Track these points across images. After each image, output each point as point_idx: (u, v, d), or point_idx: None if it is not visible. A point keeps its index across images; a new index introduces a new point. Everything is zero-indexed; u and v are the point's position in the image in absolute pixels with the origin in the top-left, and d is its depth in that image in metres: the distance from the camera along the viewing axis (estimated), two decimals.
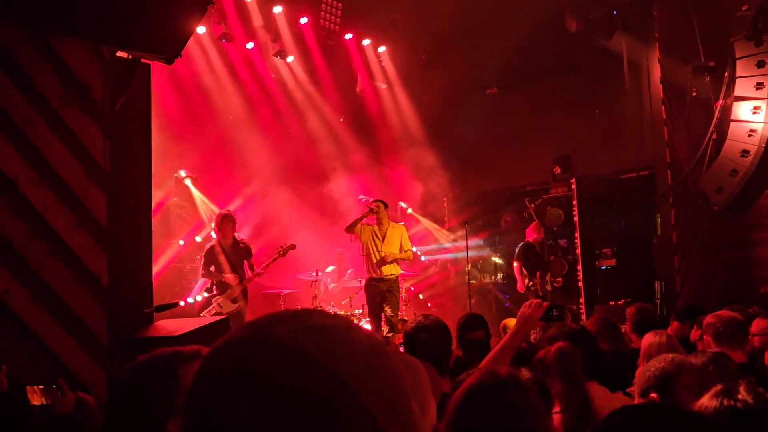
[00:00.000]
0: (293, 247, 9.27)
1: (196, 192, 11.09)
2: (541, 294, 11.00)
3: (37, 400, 3.10)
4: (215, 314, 8.46)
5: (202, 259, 8.99)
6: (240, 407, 0.74)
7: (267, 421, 0.72)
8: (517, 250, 11.48)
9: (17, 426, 2.43)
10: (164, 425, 2.02)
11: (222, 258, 8.87)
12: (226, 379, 0.76)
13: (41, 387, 3.15)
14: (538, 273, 11.28)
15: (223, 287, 8.81)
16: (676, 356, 3.14)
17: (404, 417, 0.79)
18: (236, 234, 9.12)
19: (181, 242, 10.71)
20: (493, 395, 2.17)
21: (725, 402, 2.21)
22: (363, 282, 9.68)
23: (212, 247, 8.94)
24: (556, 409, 3.17)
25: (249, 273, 8.94)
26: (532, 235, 11.52)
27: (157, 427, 2.02)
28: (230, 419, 0.74)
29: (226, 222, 8.89)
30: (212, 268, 8.86)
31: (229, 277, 8.78)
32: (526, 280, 11.29)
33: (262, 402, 0.73)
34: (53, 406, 3.08)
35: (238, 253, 8.97)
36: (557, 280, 11.80)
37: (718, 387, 2.29)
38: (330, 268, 11.34)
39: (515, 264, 11.42)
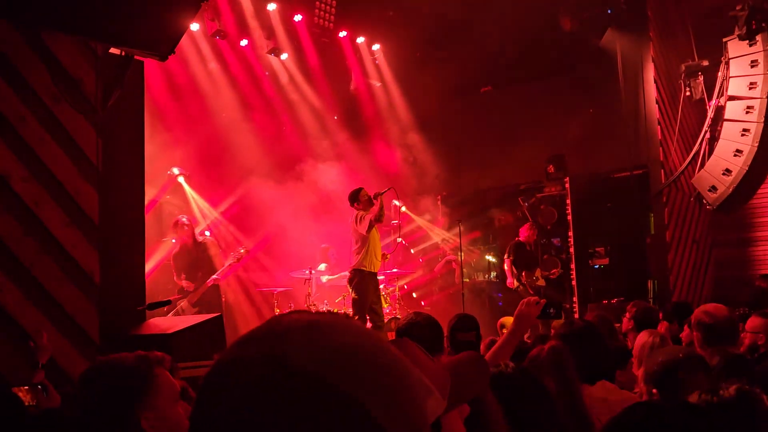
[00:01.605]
0: (247, 252, 9.41)
1: (189, 189, 11.06)
2: (531, 291, 10.97)
3: (24, 399, 3.09)
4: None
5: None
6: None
7: None
8: (507, 247, 11.49)
9: (8, 423, 2.42)
10: (139, 419, 2.08)
11: (178, 263, 9.16)
12: (239, 401, 0.72)
13: (26, 387, 3.14)
14: (524, 272, 11.23)
15: (183, 292, 8.99)
16: (684, 349, 3.15)
17: (417, 420, 0.77)
18: (197, 236, 9.34)
19: (174, 240, 10.69)
20: (510, 383, 2.19)
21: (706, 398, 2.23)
22: (350, 275, 9.06)
23: (174, 253, 9.25)
24: None
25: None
26: (524, 233, 11.50)
27: (133, 421, 2.08)
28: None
29: (177, 229, 9.14)
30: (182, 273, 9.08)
31: (183, 283, 9.00)
32: (515, 279, 11.30)
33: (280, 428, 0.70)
34: (39, 405, 3.07)
35: (198, 256, 9.14)
36: (552, 272, 11.80)
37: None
38: (322, 266, 11.32)
39: (506, 260, 11.40)
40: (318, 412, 0.70)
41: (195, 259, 9.12)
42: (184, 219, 9.23)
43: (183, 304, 8.84)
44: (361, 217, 8.83)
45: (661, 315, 6.33)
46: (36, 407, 3.16)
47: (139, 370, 2.17)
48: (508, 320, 8.66)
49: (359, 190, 9.09)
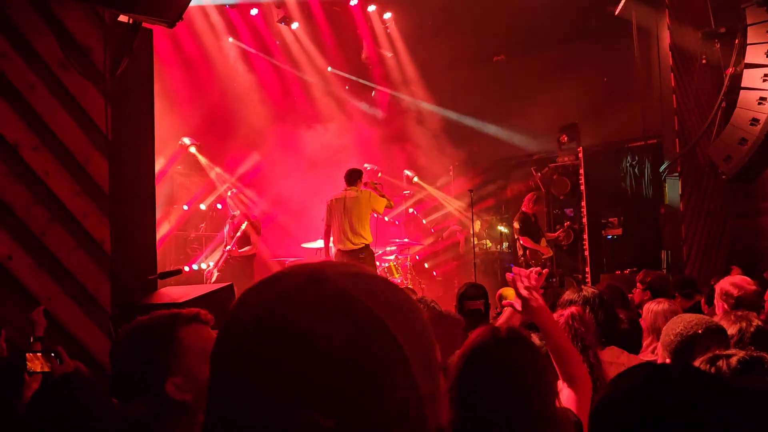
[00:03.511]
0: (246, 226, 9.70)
1: (202, 159, 11.08)
2: (532, 263, 10.70)
3: (37, 366, 3.11)
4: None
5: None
6: (288, 330, 0.75)
7: (309, 349, 0.74)
8: (517, 225, 11.18)
9: (16, 390, 2.43)
10: (163, 384, 2.02)
11: (226, 232, 9.82)
12: (279, 301, 0.78)
13: (40, 354, 3.15)
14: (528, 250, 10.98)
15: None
16: (701, 317, 3.13)
17: (433, 370, 0.82)
18: (248, 212, 9.99)
19: (185, 207, 10.73)
20: (492, 353, 2.15)
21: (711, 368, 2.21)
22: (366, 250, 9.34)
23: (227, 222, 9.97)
24: None
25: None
26: (528, 206, 11.23)
27: (157, 387, 2.02)
28: (274, 341, 0.75)
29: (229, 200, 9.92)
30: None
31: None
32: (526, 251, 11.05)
33: (310, 329, 0.75)
34: (52, 373, 3.08)
35: (237, 228, 9.65)
36: (558, 235, 11.69)
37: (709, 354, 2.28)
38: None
39: (523, 239, 11.06)
40: (345, 322, 0.76)
41: (231, 230, 9.70)
42: (230, 192, 9.94)
43: (214, 270, 9.48)
44: (375, 199, 9.28)
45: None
46: (49, 374, 3.17)
47: (158, 337, 2.11)
48: (507, 291, 8.64)
49: (361, 173, 9.56)
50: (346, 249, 9.07)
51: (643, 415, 0.99)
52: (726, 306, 4.27)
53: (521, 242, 11.01)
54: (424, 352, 0.80)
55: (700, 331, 3.01)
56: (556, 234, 11.72)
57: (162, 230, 9.29)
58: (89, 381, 2.43)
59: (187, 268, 9.85)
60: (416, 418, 0.76)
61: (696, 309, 5.12)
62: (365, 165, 11.28)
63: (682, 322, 3.09)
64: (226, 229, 9.81)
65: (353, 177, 9.36)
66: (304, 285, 0.79)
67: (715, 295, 4.50)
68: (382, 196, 9.42)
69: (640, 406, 1.00)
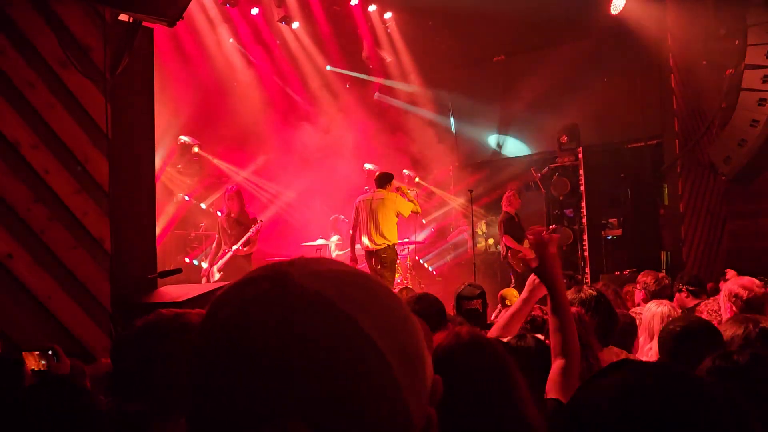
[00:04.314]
0: (258, 224, 9.49)
1: (211, 158, 11.17)
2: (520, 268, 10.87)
3: (33, 364, 3.11)
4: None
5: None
6: (255, 342, 0.73)
7: (281, 356, 0.72)
8: (500, 224, 11.28)
9: (12, 388, 2.43)
10: (164, 384, 2.02)
11: (222, 231, 9.49)
12: (243, 313, 0.76)
13: (37, 352, 3.15)
14: (509, 251, 11.11)
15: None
16: (698, 319, 3.14)
17: (416, 363, 0.79)
18: (247, 209, 9.64)
19: (187, 198, 10.71)
20: (453, 358, 2.15)
21: (717, 362, 2.21)
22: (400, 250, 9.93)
23: (220, 220, 9.64)
24: None
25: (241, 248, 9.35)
26: (507, 205, 11.32)
27: (157, 387, 2.02)
28: (245, 349, 0.73)
29: (229, 198, 9.43)
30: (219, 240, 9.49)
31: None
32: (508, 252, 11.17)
33: (278, 338, 0.73)
34: (49, 371, 3.08)
35: (240, 227, 9.38)
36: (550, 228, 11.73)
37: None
38: (335, 238, 11.31)
39: (505, 237, 11.18)
40: (315, 325, 0.73)
41: (232, 228, 9.39)
42: (232, 189, 9.58)
43: (212, 271, 9.30)
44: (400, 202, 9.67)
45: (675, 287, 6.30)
46: (46, 372, 3.17)
47: (160, 337, 2.11)
48: (508, 292, 8.69)
49: (392, 176, 9.92)
50: (369, 249, 9.54)
51: (621, 415, 0.99)
52: (735, 308, 4.27)
53: (503, 241, 11.16)
54: (403, 346, 0.77)
55: (695, 333, 3.02)
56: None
57: (161, 221, 9.28)
58: (71, 385, 2.41)
59: (187, 260, 9.96)
60: (399, 415, 0.75)
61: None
62: (366, 165, 11.32)
63: (678, 324, 3.10)
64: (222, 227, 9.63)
65: (383, 180, 9.76)
66: (268, 290, 0.76)
67: (723, 297, 4.50)
68: (411, 201, 9.83)
69: (618, 408, 1.00)
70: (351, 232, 9.85)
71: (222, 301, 0.80)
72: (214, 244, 9.60)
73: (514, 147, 13.99)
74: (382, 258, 9.41)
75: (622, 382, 1.03)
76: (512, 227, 11.16)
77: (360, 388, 0.73)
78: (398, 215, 9.64)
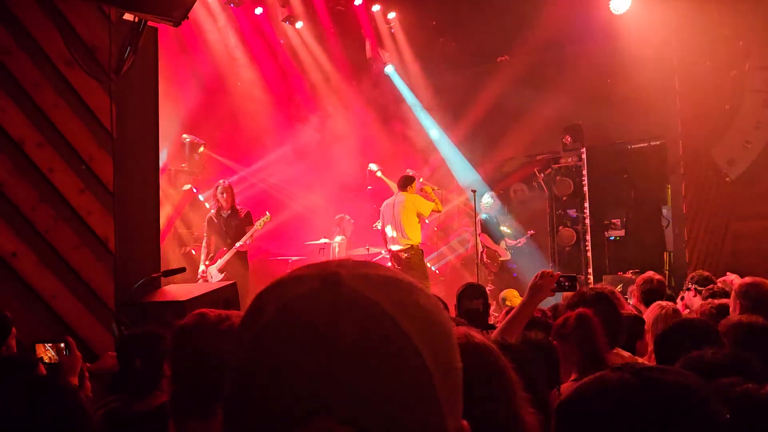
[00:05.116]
0: (268, 218, 9.49)
1: (219, 157, 11.21)
2: (494, 269, 11.37)
3: (45, 356, 3.14)
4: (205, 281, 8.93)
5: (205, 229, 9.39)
6: (302, 342, 0.72)
7: (326, 359, 0.71)
8: (480, 224, 11.50)
9: (23, 390, 2.42)
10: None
11: (216, 228, 9.28)
12: (290, 311, 0.75)
13: (50, 345, 3.18)
14: (485, 251, 11.37)
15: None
16: (696, 320, 3.14)
17: (453, 380, 0.79)
18: (237, 204, 9.43)
19: (195, 190, 10.70)
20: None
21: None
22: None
23: (210, 217, 9.35)
24: (574, 376, 3.16)
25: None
26: (487, 207, 11.77)
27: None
28: (291, 349, 0.73)
29: (222, 192, 9.22)
30: (212, 238, 9.28)
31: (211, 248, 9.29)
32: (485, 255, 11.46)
33: (325, 341, 0.72)
34: (60, 363, 3.10)
35: (235, 223, 9.23)
36: (519, 241, 11.98)
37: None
38: (338, 238, 11.27)
39: (482, 236, 11.47)
40: (365, 333, 0.73)
41: (238, 223, 9.26)
42: (225, 183, 9.38)
43: (211, 269, 9.15)
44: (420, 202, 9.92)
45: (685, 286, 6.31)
46: (58, 365, 3.20)
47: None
48: (509, 293, 8.74)
49: (413, 179, 10.23)
50: (393, 250, 9.85)
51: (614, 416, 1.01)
52: (745, 305, 4.28)
53: (480, 240, 11.44)
54: (444, 360, 0.77)
55: (691, 334, 3.02)
56: (516, 242, 12.03)
57: (165, 211, 9.19)
58: (60, 387, 2.41)
59: (194, 252, 9.96)
60: (437, 427, 0.74)
61: None
62: (370, 165, 11.33)
63: (677, 324, 3.10)
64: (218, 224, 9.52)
65: (404, 182, 10.04)
66: (318, 289, 0.75)
67: (732, 295, 4.51)
68: (433, 201, 10.08)
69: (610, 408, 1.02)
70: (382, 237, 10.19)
71: (267, 297, 0.79)
72: (204, 244, 9.37)
73: (518, 146, 13.96)
74: (405, 259, 9.64)
75: (604, 384, 1.06)
76: (490, 227, 11.66)
77: (403, 399, 0.72)
78: (419, 216, 9.85)
